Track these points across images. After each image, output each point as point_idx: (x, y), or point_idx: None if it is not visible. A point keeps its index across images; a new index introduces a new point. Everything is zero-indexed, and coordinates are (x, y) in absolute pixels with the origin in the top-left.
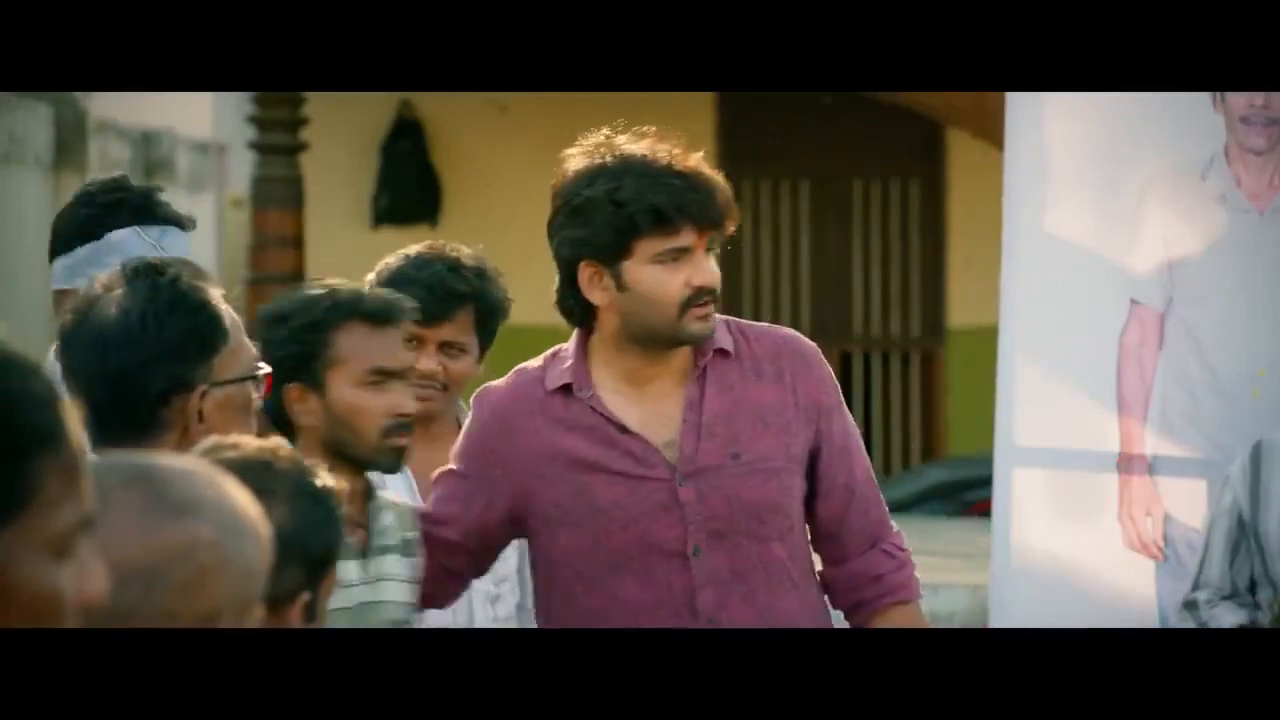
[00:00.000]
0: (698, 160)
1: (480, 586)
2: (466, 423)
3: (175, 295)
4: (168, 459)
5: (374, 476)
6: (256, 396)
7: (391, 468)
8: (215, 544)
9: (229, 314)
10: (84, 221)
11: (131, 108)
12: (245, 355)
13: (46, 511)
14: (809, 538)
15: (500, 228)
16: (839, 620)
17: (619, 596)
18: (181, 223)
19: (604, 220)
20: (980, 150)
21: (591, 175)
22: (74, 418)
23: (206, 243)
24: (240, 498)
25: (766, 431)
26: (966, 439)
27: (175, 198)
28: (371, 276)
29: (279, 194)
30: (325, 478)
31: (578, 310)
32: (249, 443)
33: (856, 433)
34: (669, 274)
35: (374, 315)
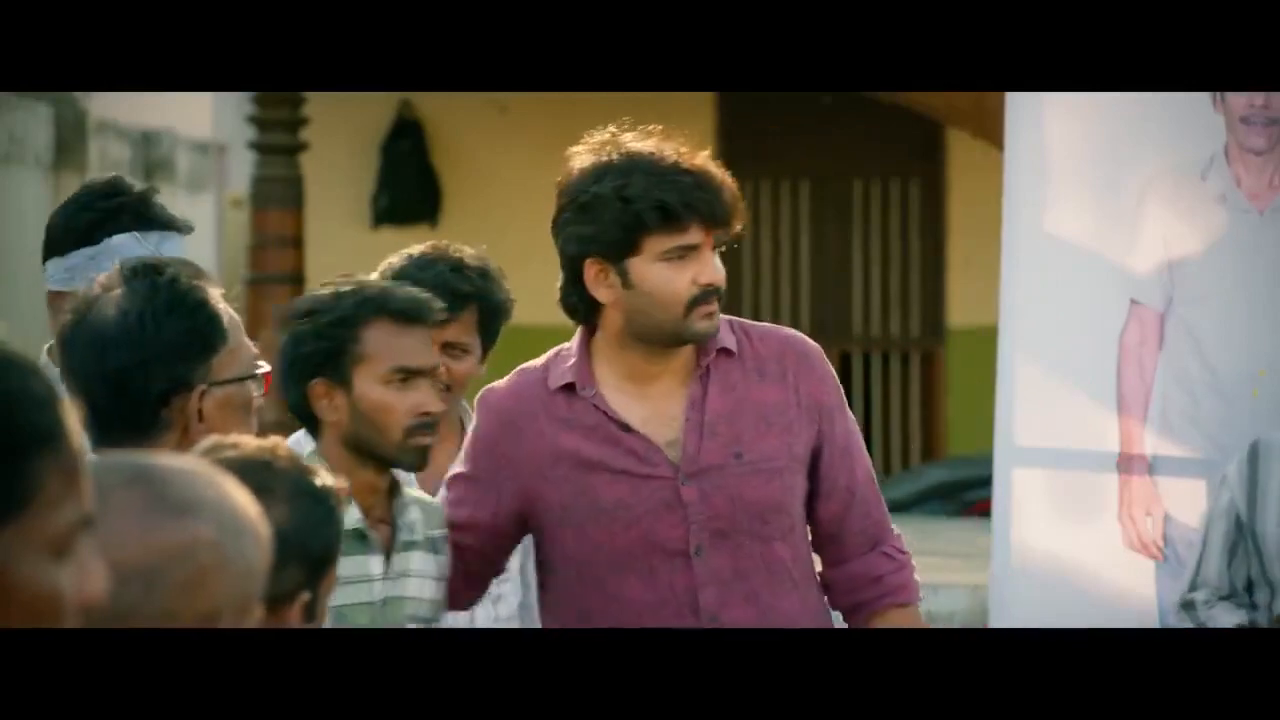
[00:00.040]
0: (705, 159)
1: None
2: (472, 425)
3: (174, 295)
4: (168, 459)
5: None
6: (257, 396)
7: (414, 466)
8: (215, 544)
9: (228, 313)
10: (83, 226)
11: (131, 108)
12: (245, 355)
13: (46, 511)
14: (809, 539)
15: (500, 228)
16: (838, 621)
17: (622, 597)
18: (179, 227)
19: (611, 217)
20: (980, 150)
21: (599, 172)
22: (74, 418)
23: (206, 243)
24: (240, 497)
25: (769, 431)
26: (966, 439)
27: (175, 198)
28: (374, 277)
29: (279, 194)
30: (325, 477)
31: (582, 308)
32: (248, 442)
33: (858, 434)
34: (676, 271)
35: (402, 314)
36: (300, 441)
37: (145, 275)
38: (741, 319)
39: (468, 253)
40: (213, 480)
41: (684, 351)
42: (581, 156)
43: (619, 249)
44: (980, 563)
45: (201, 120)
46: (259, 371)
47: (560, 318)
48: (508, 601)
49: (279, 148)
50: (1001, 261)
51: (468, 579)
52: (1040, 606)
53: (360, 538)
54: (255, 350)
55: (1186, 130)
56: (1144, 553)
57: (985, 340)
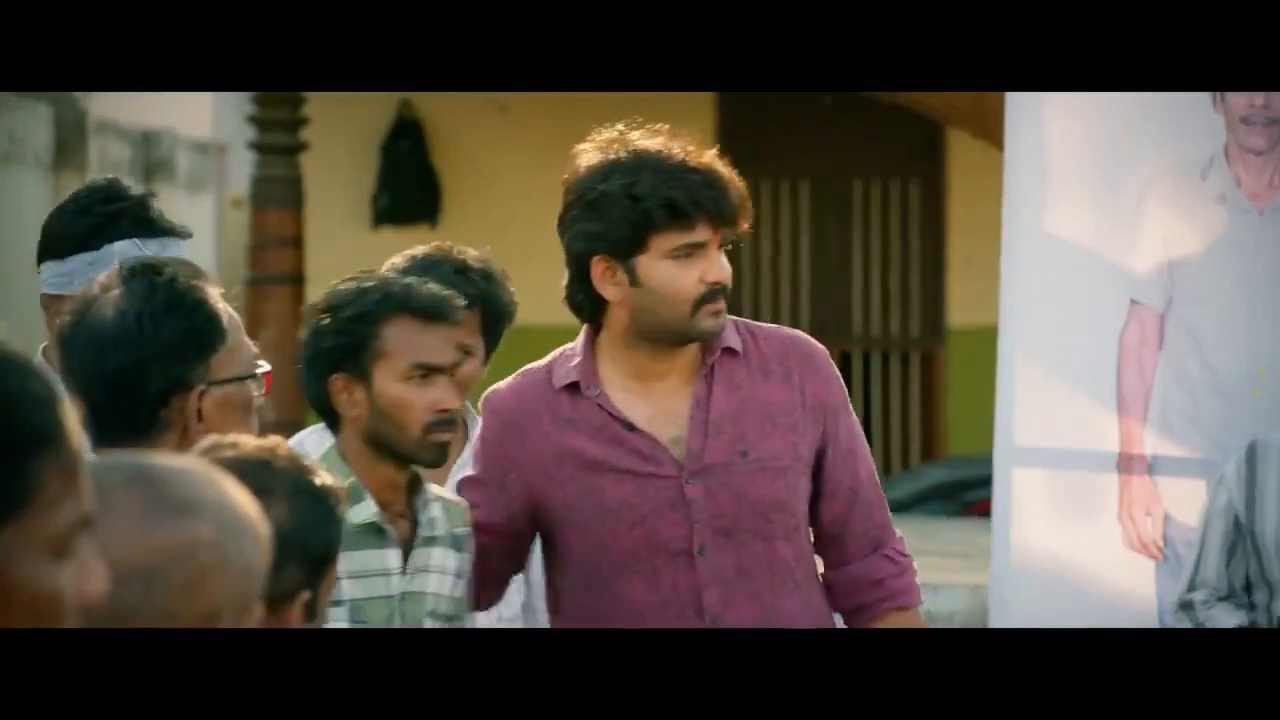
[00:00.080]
0: (712, 157)
1: None
2: (479, 428)
3: (172, 295)
4: (168, 459)
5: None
6: (257, 395)
7: (433, 462)
8: (215, 544)
9: (227, 313)
10: (82, 231)
11: (131, 108)
12: (244, 354)
13: (46, 511)
14: (812, 540)
15: (500, 228)
16: (839, 623)
17: (626, 597)
18: (180, 233)
19: (619, 214)
20: (980, 150)
21: (606, 170)
22: (74, 418)
23: (206, 243)
24: (240, 497)
25: (774, 431)
26: (966, 439)
27: (175, 198)
28: None
29: (279, 194)
30: (324, 476)
31: (588, 305)
32: (248, 442)
33: (862, 435)
34: (683, 269)
35: (423, 310)
36: (302, 442)
37: (143, 275)
38: (746, 319)
39: (471, 254)
40: (212, 480)
41: (689, 350)
42: (589, 154)
43: (626, 247)
44: (980, 563)
45: (201, 120)
46: (259, 371)
47: (561, 317)
48: (511, 602)
49: (279, 148)
50: (1001, 261)
51: (486, 580)
52: (1040, 606)
53: (377, 532)
54: (255, 350)
55: (1186, 130)
56: (1144, 553)
57: (985, 340)
